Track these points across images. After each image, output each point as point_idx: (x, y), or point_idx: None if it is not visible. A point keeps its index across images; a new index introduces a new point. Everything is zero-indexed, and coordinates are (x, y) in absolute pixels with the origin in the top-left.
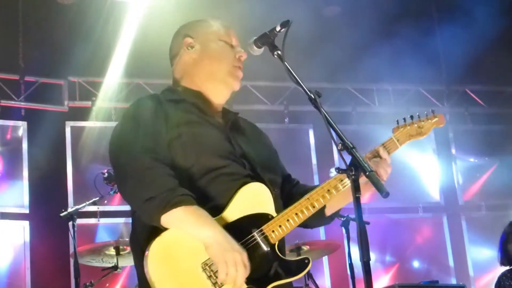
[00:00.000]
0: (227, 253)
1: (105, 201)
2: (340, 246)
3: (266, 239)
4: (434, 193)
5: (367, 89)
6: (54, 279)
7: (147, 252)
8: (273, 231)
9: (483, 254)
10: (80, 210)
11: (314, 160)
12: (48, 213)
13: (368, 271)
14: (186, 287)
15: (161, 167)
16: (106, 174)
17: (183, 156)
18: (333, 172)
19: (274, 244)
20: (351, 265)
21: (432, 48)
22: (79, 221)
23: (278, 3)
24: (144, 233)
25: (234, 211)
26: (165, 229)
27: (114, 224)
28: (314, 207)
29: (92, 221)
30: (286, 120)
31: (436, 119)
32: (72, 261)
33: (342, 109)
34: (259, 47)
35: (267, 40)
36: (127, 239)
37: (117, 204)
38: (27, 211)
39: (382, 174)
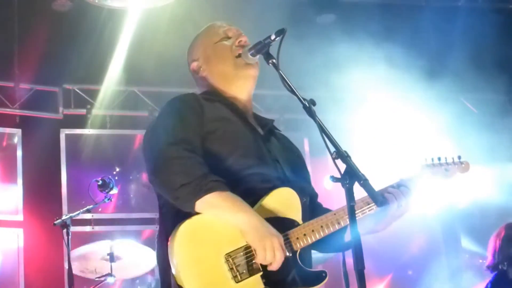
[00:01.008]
0: (265, 239)
1: (100, 209)
2: (335, 254)
3: (289, 244)
4: (429, 201)
5: (360, 97)
6: (48, 287)
7: (174, 233)
8: (297, 238)
9: (478, 262)
10: (74, 218)
11: (308, 169)
12: (43, 221)
13: (362, 280)
14: (206, 275)
15: (195, 156)
16: (100, 182)
17: (217, 150)
18: (328, 181)
19: (297, 251)
20: (345, 273)
21: (425, 57)
22: (73, 229)
23: (271, 11)
24: (173, 222)
25: (262, 212)
26: (194, 214)
27: (109, 232)
28: (339, 223)
29: (86, 229)
30: (281, 128)
31: (463, 165)
32: (66, 268)
33: (336, 117)
34: (254, 56)
35: (262, 48)
36: (121, 247)
37: (112, 212)
38: (21, 219)
39: (409, 204)
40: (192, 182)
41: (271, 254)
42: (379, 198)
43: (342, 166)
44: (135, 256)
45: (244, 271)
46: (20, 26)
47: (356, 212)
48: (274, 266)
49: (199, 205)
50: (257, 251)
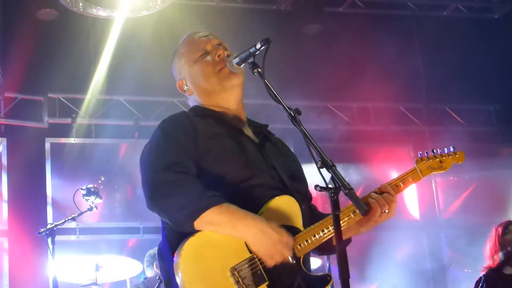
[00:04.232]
0: (269, 249)
1: (84, 218)
2: (320, 263)
3: (293, 252)
4: (414, 211)
5: (347, 106)
6: None
7: (179, 251)
8: (300, 245)
9: (462, 272)
10: (59, 227)
11: None
12: (27, 230)
13: None
14: None
15: (187, 176)
16: (85, 191)
17: (215, 168)
18: (313, 188)
19: (300, 257)
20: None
21: (412, 67)
22: (58, 237)
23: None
24: (176, 238)
25: None
26: (196, 231)
27: (94, 241)
28: None
29: (71, 237)
30: None
31: (457, 155)
32: (51, 277)
33: (322, 126)
34: (239, 65)
35: (247, 57)
36: (106, 256)
37: (97, 221)
38: (5, 228)
39: (392, 210)
40: (187, 205)
41: (280, 258)
42: (363, 207)
43: (328, 175)
44: (120, 265)
45: (250, 282)
46: (4, 35)
47: (355, 211)
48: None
49: (198, 225)
50: (266, 261)
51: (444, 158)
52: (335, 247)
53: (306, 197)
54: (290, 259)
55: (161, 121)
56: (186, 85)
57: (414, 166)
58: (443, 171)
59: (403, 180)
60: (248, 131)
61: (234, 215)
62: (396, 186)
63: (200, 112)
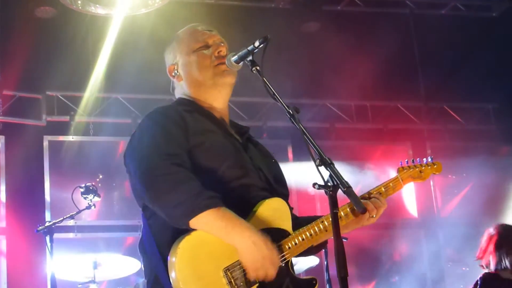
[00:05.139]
0: (256, 263)
1: (83, 216)
2: (318, 261)
3: (283, 254)
4: (412, 209)
5: (345, 105)
6: None
7: (175, 250)
8: (289, 248)
9: (460, 270)
10: (57, 225)
11: (292, 174)
12: (26, 227)
13: (345, 287)
14: None
15: (185, 171)
16: (84, 189)
17: (205, 164)
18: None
19: (288, 260)
20: (329, 280)
21: (410, 65)
22: (56, 235)
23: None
24: (164, 236)
25: (255, 223)
26: (190, 229)
27: (92, 239)
28: (326, 230)
29: (69, 235)
30: (264, 135)
31: (435, 166)
32: (49, 275)
33: (320, 125)
34: (238, 63)
35: (246, 55)
36: (104, 253)
37: (95, 219)
38: (3, 225)
39: (379, 214)
40: (185, 202)
41: (263, 274)
42: (362, 206)
43: (326, 173)
44: (118, 264)
45: (242, 283)
46: (3, 32)
47: (342, 217)
48: (266, 280)
49: (193, 223)
50: (249, 272)
51: (423, 168)
52: (313, 249)
53: (288, 200)
54: (280, 262)
55: (148, 112)
56: (177, 71)
57: (396, 175)
58: (422, 181)
59: (386, 187)
60: (233, 131)
61: (230, 222)
62: (380, 194)
63: (188, 106)
